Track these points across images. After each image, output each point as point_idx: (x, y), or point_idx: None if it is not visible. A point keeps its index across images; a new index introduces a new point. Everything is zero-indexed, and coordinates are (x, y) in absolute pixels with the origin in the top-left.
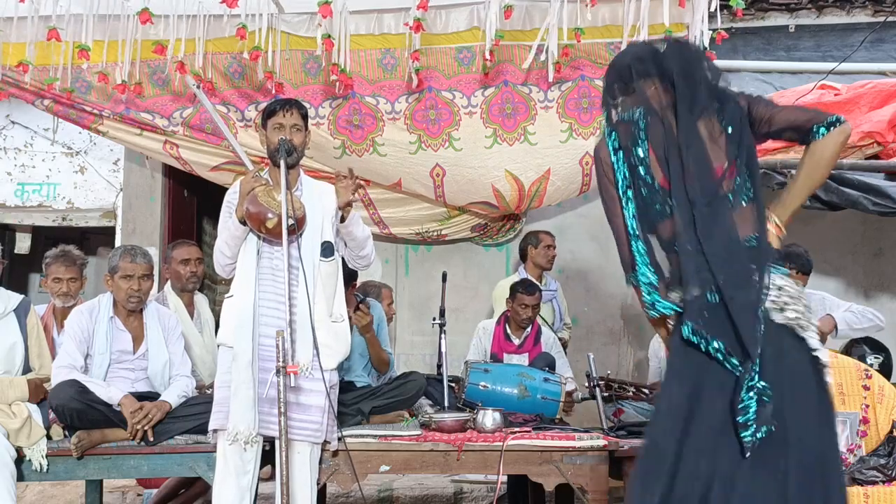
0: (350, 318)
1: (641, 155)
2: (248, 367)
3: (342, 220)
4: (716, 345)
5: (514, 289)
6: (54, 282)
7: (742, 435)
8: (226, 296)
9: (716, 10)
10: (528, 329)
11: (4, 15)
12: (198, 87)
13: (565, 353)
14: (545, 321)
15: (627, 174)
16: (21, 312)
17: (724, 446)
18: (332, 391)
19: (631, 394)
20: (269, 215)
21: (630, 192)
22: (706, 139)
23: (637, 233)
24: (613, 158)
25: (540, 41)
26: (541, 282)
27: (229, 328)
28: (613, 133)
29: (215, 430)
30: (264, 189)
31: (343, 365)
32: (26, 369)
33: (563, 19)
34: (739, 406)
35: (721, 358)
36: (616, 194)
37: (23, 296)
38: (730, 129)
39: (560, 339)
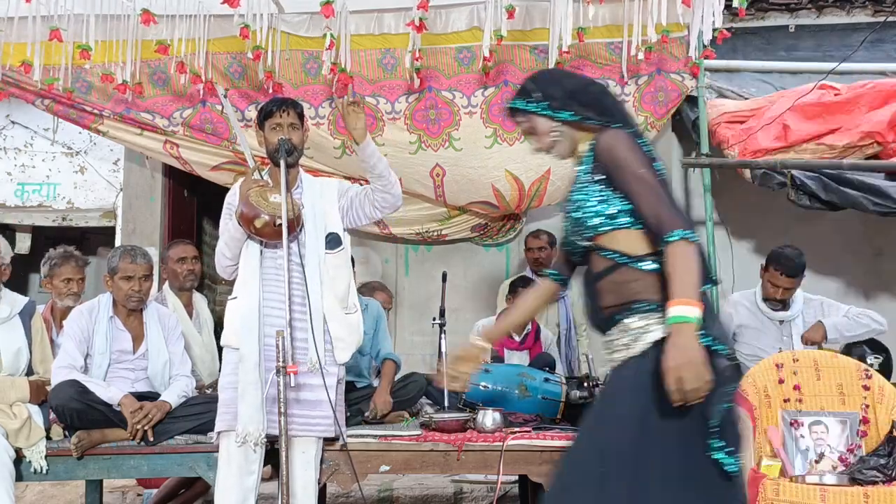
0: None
1: None
2: (255, 369)
3: (356, 143)
4: None
5: (520, 286)
6: (64, 282)
7: None
8: (229, 297)
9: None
10: (529, 326)
11: (6, 15)
12: (224, 95)
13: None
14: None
15: None
16: (26, 316)
17: None
18: (339, 385)
19: None
20: (261, 216)
21: None
22: None
23: None
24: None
25: (549, 41)
26: None
27: (234, 329)
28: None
29: (220, 432)
30: (257, 190)
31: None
32: (28, 372)
33: (569, 17)
34: None
35: None
36: None
37: (28, 298)
38: None
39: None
